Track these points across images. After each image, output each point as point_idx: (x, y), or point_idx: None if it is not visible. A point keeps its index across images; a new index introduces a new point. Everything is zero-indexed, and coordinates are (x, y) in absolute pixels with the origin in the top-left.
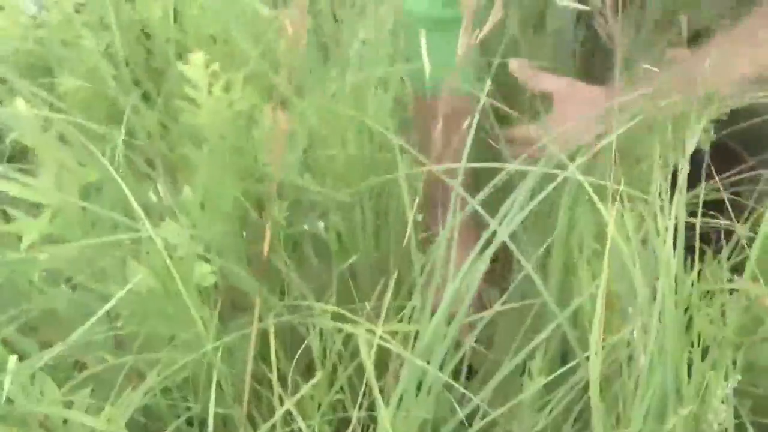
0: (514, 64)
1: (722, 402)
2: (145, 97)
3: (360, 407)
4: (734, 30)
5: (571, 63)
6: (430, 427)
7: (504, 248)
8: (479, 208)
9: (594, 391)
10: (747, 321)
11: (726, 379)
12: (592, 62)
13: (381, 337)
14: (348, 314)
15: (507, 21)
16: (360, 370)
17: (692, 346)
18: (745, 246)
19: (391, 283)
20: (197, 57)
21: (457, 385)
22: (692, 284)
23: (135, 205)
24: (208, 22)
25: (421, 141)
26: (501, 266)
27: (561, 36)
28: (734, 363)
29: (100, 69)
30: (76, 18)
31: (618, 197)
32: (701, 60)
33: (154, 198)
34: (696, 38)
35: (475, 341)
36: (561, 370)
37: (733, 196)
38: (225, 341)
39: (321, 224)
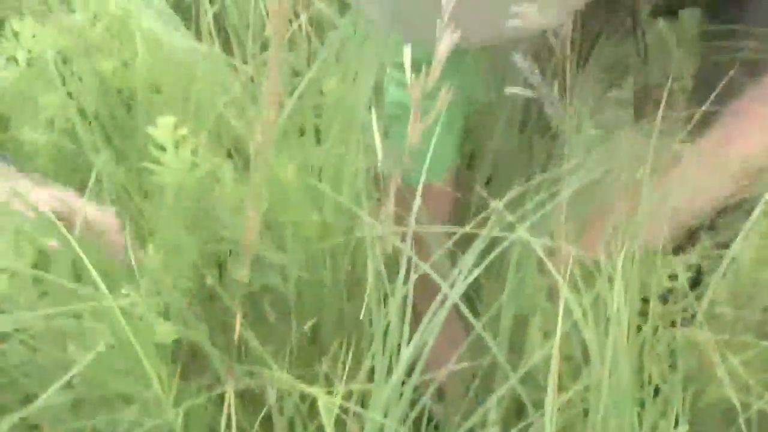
0: None
1: None
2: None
3: None
4: (699, 148)
5: (516, 142)
6: None
7: None
8: (429, 270)
9: None
10: (694, 364)
11: (676, 424)
12: (541, 142)
13: (339, 397)
14: (294, 381)
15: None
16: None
17: (643, 387)
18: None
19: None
20: (166, 120)
21: None
22: (645, 336)
23: (92, 271)
24: (168, 76)
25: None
26: None
27: (509, 119)
28: (683, 406)
29: (66, 123)
30: (30, 72)
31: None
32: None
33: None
34: (643, 96)
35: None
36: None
37: None
38: (185, 406)
39: (281, 281)
